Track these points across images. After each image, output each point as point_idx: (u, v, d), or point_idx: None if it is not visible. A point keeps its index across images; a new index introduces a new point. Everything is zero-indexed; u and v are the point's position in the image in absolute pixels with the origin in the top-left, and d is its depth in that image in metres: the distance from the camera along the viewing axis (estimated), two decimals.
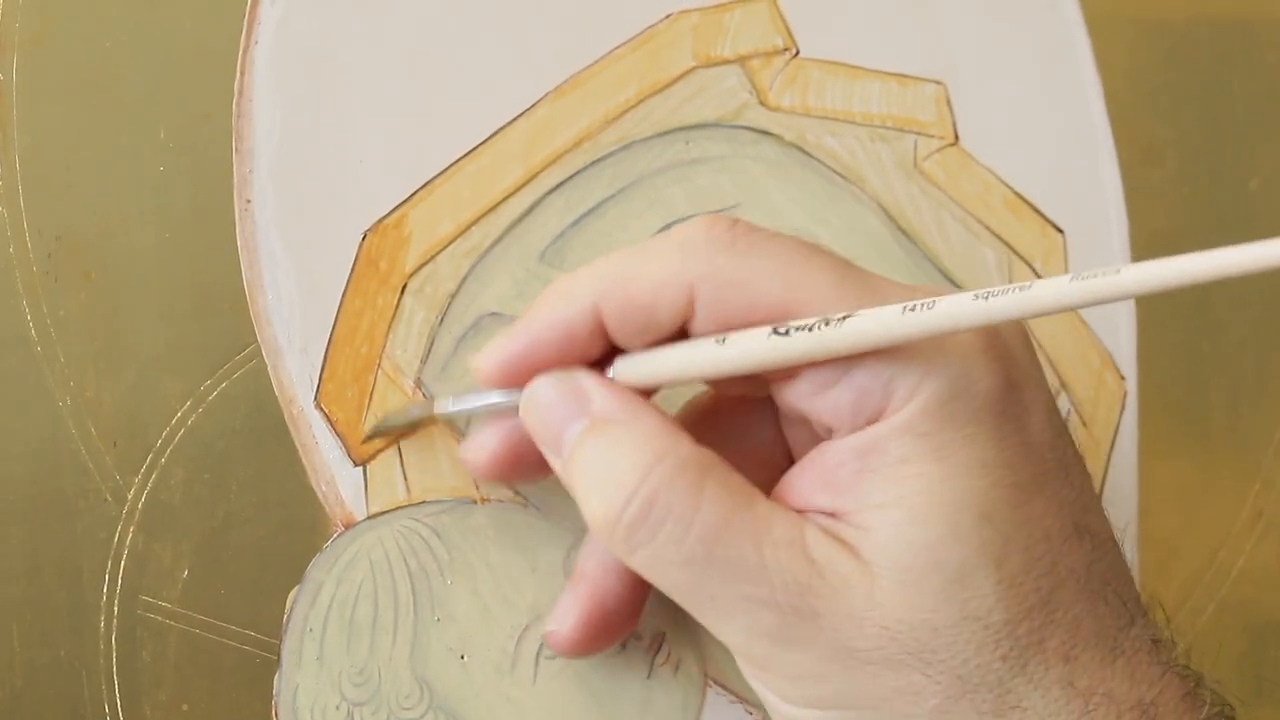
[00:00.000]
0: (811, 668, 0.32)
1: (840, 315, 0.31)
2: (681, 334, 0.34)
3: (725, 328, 0.33)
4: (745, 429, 0.37)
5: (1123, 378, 0.45)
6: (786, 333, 0.32)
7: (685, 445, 0.33)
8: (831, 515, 0.33)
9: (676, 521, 0.32)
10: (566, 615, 0.37)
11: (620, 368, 0.35)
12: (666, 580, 0.33)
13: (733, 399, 0.37)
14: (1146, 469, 0.45)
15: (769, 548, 0.32)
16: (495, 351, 0.35)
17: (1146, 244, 0.46)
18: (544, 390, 0.35)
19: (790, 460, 0.36)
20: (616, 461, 0.33)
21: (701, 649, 0.40)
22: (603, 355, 0.35)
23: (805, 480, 0.33)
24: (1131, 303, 0.45)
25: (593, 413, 0.34)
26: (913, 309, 0.30)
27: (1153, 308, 0.46)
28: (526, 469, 0.37)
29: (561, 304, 0.35)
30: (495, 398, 0.36)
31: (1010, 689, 0.31)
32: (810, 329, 0.32)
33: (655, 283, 0.34)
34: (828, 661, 0.32)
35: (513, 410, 0.36)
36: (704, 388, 0.38)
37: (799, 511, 0.33)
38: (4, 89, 0.36)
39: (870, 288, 0.33)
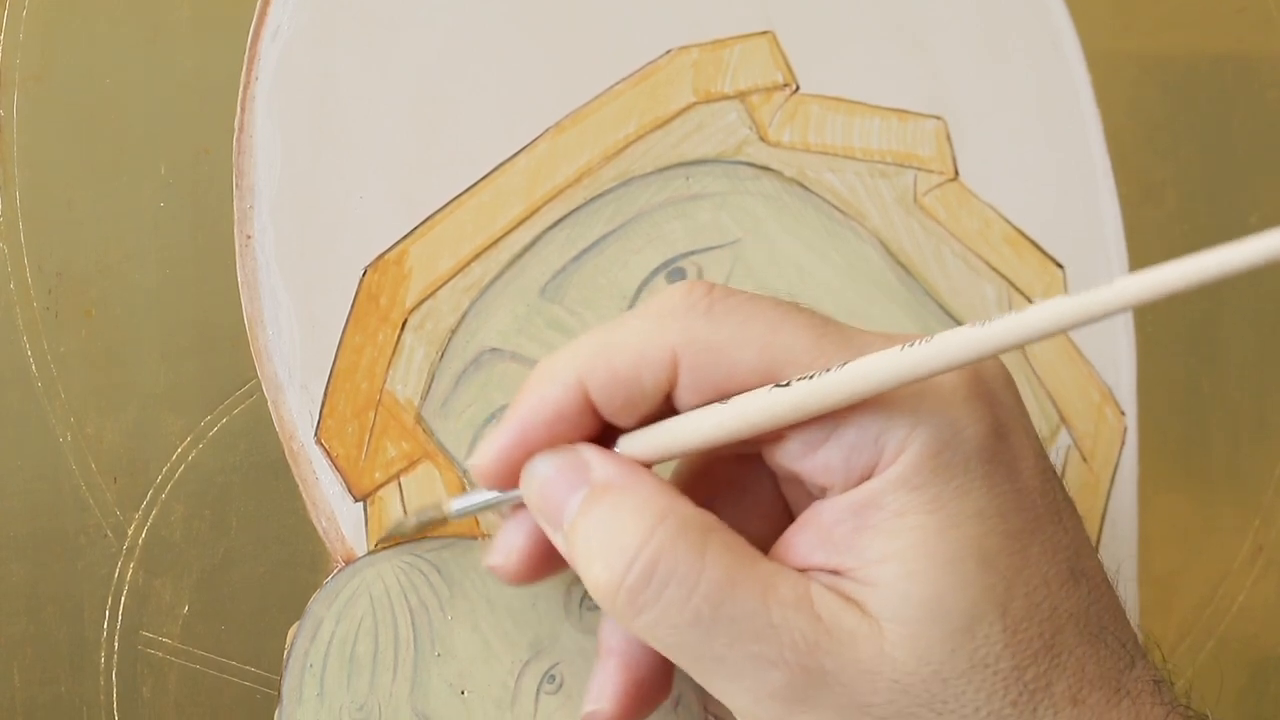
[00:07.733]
0: None
1: (840, 362, 0.31)
2: (669, 407, 0.34)
3: (708, 396, 0.33)
4: (743, 486, 0.37)
5: (1123, 413, 0.45)
6: (788, 384, 0.32)
7: (686, 506, 0.33)
8: (833, 573, 0.33)
9: (680, 582, 0.32)
10: (603, 694, 0.36)
11: (625, 445, 0.34)
12: (672, 642, 0.32)
13: (728, 458, 0.37)
14: (1146, 504, 0.45)
15: (776, 605, 0.31)
16: (489, 448, 0.35)
17: None
18: (543, 465, 0.34)
19: (789, 514, 0.36)
20: (618, 526, 0.32)
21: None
22: (599, 435, 0.35)
23: (803, 540, 0.33)
24: (1132, 337, 0.45)
25: (592, 481, 0.34)
26: (911, 345, 0.30)
27: (1153, 343, 0.46)
28: (558, 562, 0.36)
29: (546, 386, 0.34)
30: (502, 492, 0.36)
31: None
32: (811, 377, 0.32)
33: (637, 353, 0.33)
34: (838, 719, 0.32)
35: (522, 503, 0.35)
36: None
37: (800, 571, 0.33)
38: (5, 125, 0.36)
39: (849, 341, 0.33)
